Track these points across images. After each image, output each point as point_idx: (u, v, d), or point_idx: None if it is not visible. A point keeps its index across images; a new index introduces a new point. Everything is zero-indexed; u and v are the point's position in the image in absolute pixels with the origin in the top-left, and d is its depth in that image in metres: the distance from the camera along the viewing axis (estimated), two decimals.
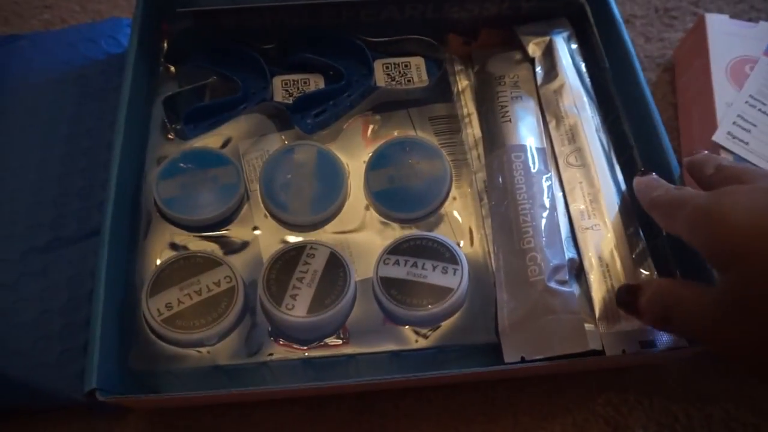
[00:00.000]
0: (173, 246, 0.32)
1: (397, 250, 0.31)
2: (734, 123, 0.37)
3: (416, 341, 0.30)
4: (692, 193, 0.26)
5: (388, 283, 0.30)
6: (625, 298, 0.28)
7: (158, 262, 0.31)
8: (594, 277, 0.30)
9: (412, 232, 0.32)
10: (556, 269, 0.29)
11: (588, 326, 0.29)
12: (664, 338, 0.29)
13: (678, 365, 0.34)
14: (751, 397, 0.34)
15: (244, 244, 0.32)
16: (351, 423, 0.33)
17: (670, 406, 0.33)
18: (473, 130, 0.36)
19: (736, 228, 0.22)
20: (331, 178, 0.33)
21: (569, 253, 0.30)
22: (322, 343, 0.30)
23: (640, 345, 0.29)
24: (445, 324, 0.30)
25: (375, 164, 0.33)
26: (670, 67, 0.45)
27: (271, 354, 0.29)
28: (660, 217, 0.27)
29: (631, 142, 0.34)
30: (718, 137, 0.36)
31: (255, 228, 0.33)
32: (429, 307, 0.29)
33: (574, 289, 0.29)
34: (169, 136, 0.35)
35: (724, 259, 0.23)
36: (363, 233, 0.33)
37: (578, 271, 0.30)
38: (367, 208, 0.33)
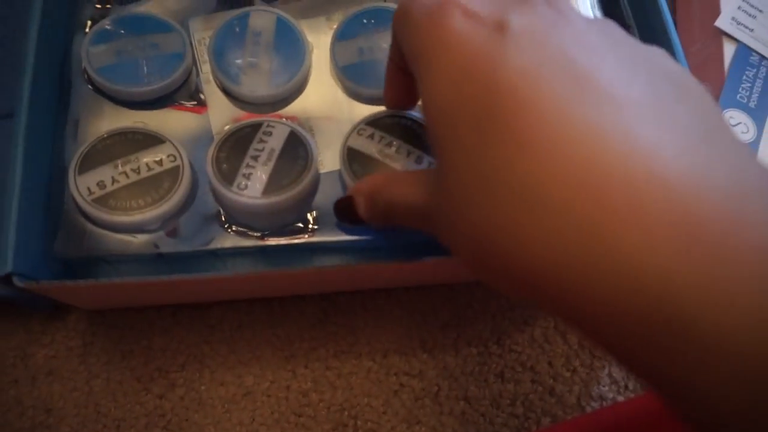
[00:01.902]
0: (108, 123, 0.27)
1: (377, 123, 0.27)
2: (739, 8, 0.33)
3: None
4: None
5: (353, 156, 0.26)
6: (344, 213, 0.24)
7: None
8: None
9: (399, 111, 0.28)
10: None
11: None
12: None
13: None
14: None
15: (192, 122, 0.28)
16: (315, 325, 0.30)
17: None
18: None
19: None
20: (292, 49, 0.29)
21: None
22: (281, 232, 0.26)
23: None
24: None
25: (343, 34, 0.29)
26: None
27: (223, 243, 0.26)
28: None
29: (629, 22, 0.31)
30: (722, 23, 0.33)
31: (204, 105, 0.29)
32: None
33: None
34: (105, 3, 0.30)
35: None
36: (328, 117, 0.29)
37: None
38: (333, 86, 0.29)
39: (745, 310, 0.11)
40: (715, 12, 0.33)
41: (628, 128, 0.14)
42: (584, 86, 0.14)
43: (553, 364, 0.30)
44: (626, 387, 0.29)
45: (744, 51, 0.33)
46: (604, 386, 0.30)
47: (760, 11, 0.33)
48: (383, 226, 0.24)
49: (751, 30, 0.33)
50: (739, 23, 0.33)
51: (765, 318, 0.11)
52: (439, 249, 0.27)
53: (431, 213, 0.19)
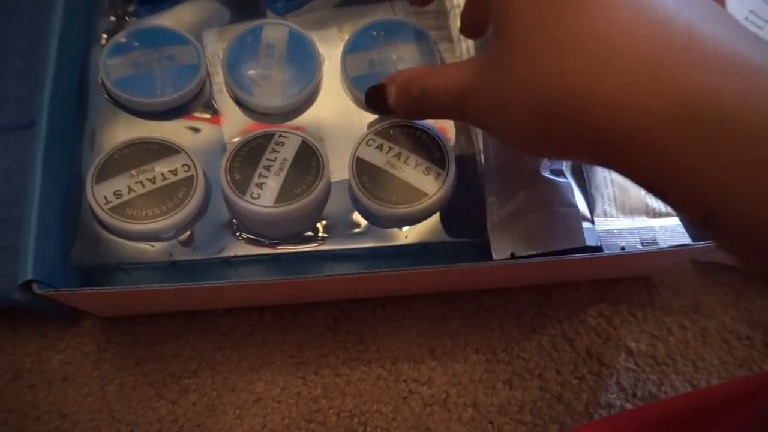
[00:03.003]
0: (125, 133, 0.28)
1: (385, 133, 0.27)
2: (746, 19, 0.34)
3: (397, 238, 0.27)
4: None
5: (361, 167, 0.27)
6: (373, 100, 0.26)
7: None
8: (593, 170, 0.27)
9: (410, 121, 0.28)
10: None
11: (584, 223, 0.26)
12: (667, 237, 0.27)
13: (673, 277, 0.32)
14: (746, 309, 0.32)
15: (206, 133, 0.29)
16: (326, 332, 0.31)
17: (663, 318, 0.32)
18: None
19: None
20: (304, 61, 0.29)
21: None
22: (293, 240, 0.27)
23: (640, 243, 0.26)
24: (428, 223, 0.27)
25: (354, 46, 0.30)
26: None
27: (236, 251, 0.26)
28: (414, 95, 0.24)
29: None
30: None
31: (218, 115, 0.29)
32: (394, 205, 0.26)
33: (570, 180, 0.27)
34: (121, 13, 0.31)
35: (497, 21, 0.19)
36: (339, 127, 0.29)
37: (575, 164, 0.28)
38: (344, 96, 0.30)
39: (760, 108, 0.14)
40: None
41: (683, 5, 0.17)
42: None
43: (561, 371, 0.30)
44: (634, 395, 0.30)
45: None
46: (612, 394, 0.30)
47: (767, 22, 0.34)
48: (411, 115, 0.25)
49: None
50: None
51: None
52: (448, 258, 0.27)
53: (474, 90, 0.21)
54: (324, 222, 0.27)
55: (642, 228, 0.27)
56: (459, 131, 0.29)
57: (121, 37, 0.29)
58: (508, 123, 0.19)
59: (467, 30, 0.27)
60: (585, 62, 0.16)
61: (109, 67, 0.28)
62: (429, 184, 0.26)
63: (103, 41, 0.30)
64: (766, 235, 0.15)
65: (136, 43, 0.29)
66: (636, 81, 0.16)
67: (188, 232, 0.26)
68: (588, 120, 0.17)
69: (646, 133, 0.16)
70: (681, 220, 0.27)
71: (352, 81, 0.29)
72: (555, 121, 0.18)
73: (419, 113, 0.25)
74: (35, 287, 0.23)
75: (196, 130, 0.29)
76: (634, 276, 0.32)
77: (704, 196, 0.16)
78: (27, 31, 0.31)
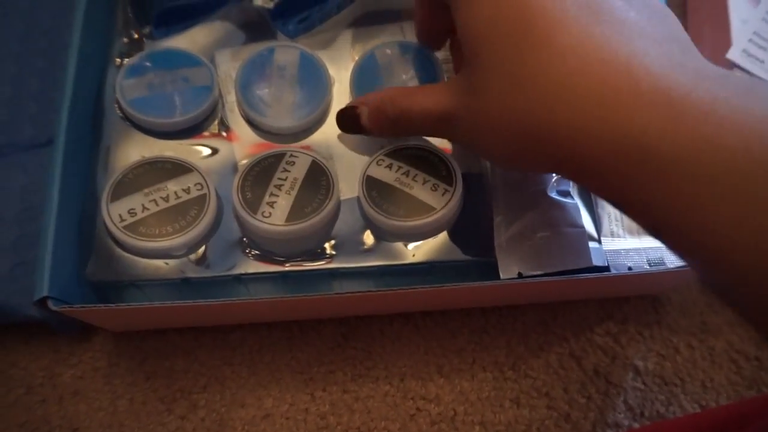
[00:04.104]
0: (139, 152, 0.29)
1: (395, 154, 0.28)
2: (750, 40, 0.34)
3: (404, 257, 0.27)
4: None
5: (371, 184, 0.27)
6: (345, 121, 0.27)
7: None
8: None
9: (419, 142, 0.29)
10: (559, 180, 0.27)
11: (591, 243, 0.26)
12: (674, 257, 0.27)
13: (680, 296, 0.33)
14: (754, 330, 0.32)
15: (218, 152, 0.29)
16: (334, 349, 0.31)
17: (671, 337, 0.32)
18: None
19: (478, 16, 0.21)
20: (315, 84, 0.30)
21: None
22: (304, 259, 0.27)
23: (647, 263, 0.27)
24: (436, 242, 0.28)
25: (363, 68, 0.30)
26: None
27: (246, 269, 0.27)
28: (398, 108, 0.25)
29: None
30: (733, 55, 0.34)
31: (230, 135, 0.30)
32: (402, 218, 0.26)
33: (578, 201, 0.27)
34: (136, 36, 0.31)
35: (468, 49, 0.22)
36: (349, 146, 0.30)
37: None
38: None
39: (703, 145, 0.17)
40: (727, 44, 0.34)
41: (629, 40, 0.19)
42: (597, 11, 0.19)
43: (568, 390, 0.30)
44: (642, 414, 0.30)
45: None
46: (619, 413, 0.30)
47: None
48: (385, 133, 0.27)
49: (762, 62, 0.34)
50: (750, 55, 0.34)
51: (718, 149, 0.16)
52: (456, 276, 0.28)
53: (455, 115, 0.23)
54: (333, 240, 0.28)
55: (649, 248, 0.27)
56: (465, 152, 0.30)
57: (136, 59, 0.30)
58: (490, 145, 0.22)
59: (425, 38, 0.29)
60: (546, 100, 0.19)
61: (125, 87, 0.29)
62: (436, 199, 0.27)
63: (119, 63, 0.31)
64: (694, 242, 0.17)
65: (151, 65, 0.29)
66: (586, 117, 0.18)
67: (200, 250, 0.27)
68: (553, 147, 0.19)
69: (596, 160, 0.18)
70: None
71: None
72: (529, 145, 0.20)
73: (394, 132, 0.27)
74: (51, 304, 0.24)
75: (208, 149, 0.29)
76: (641, 295, 0.32)
77: (645, 214, 0.19)
78: (45, 52, 0.32)
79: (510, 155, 0.22)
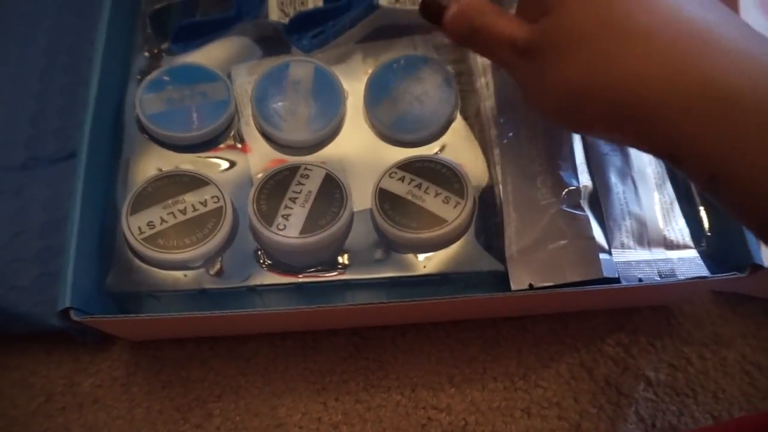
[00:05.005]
0: (158, 165, 0.29)
1: (408, 167, 0.28)
2: None
3: (416, 268, 0.28)
4: None
5: (384, 196, 0.28)
6: (429, 9, 0.27)
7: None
8: (610, 203, 0.28)
9: (432, 154, 0.29)
10: (570, 193, 0.27)
11: (602, 255, 0.27)
12: (684, 269, 0.27)
13: (692, 307, 0.33)
14: (766, 340, 0.32)
15: (234, 165, 0.30)
16: (347, 359, 0.31)
17: (682, 348, 0.32)
18: (482, 57, 0.33)
19: None
20: (329, 97, 0.31)
21: (584, 179, 0.28)
22: (317, 270, 0.28)
23: (658, 275, 0.27)
24: (447, 253, 0.28)
25: (376, 81, 0.31)
26: None
27: (261, 280, 0.27)
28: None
29: None
30: None
31: (246, 148, 0.30)
32: (414, 231, 0.27)
33: (588, 213, 0.27)
34: (155, 51, 0.32)
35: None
36: (361, 160, 0.30)
37: (592, 197, 0.28)
38: (366, 130, 0.31)
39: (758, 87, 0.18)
40: None
41: (697, 8, 0.20)
42: None
43: (579, 400, 0.30)
44: (653, 425, 0.30)
45: None
46: (630, 424, 0.30)
47: None
48: (461, 40, 0.26)
49: None
50: None
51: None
52: (467, 287, 0.28)
53: (522, 59, 0.24)
54: (346, 252, 0.28)
55: (660, 260, 0.27)
56: (477, 164, 0.30)
57: (155, 75, 0.30)
58: (550, 90, 0.23)
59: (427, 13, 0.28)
60: (625, 45, 0.20)
61: (144, 102, 0.30)
62: (448, 212, 0.27)
63: (139, 78, 0.32)
64: (758, 194, 0.18)
65: (170, 80, 0.30)
66: (665, 63, 0.19)
67: (216, 261, 0.28)
68: (617, 93, 0.20)
69: (665, 107, 0.19)
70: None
71: (374, 114, 0.30)
72: (594, 90, 0.21)
73: (468, 43, 0.26)
74: (73, 314, 0.24)
75: (225, 162, 0.30)
76: (653, 306, 0.32)
77: (710, 162, 0.19)
78: (68, 68, 0.33)
79: (568, 103, 0.22)
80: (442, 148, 0.30)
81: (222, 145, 0.30)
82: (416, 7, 0.34)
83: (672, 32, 0.20)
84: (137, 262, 0.27)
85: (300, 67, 0.31)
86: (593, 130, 0.24)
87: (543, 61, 0.22)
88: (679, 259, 0.28)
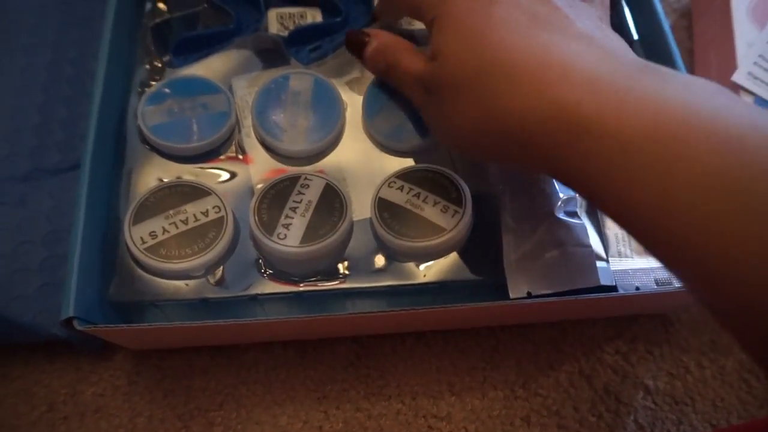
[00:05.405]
0: (159, 176, 0.30)
1: (407, 176, 0.29)
2: (755, 63, 0.35)
3: (416, 276, 0.28)
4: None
5: (383, 206, 0.28)
6: (354, 43, 0.29)
7: None
8: None
9: (429, 164, 0.30)
10: (566, 201, 0.27)
11: (599, 263, 0.27)
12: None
13: (690, 315, 0.33)
14: None
15: (235, 175, 0.30)
16: (347, 368, 0.31)
17: (681, 357, 0.32)
18: None
19: None
20: (328, 109, 0.31)
21: None
22: (318, 279, 0.28)
23: (655, 283, 0.27)
24: (446, 262, 0.28)
25: (374, 92, 0.31)
26: (687, 12, 0.43)
27: (262, 289, 0.28)
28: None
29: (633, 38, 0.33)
30: (738, 77, 0.34)
31: (246, 159, 0.31)
32: (413, 239, 0.27)
33: (585, 221, 0.28)
34: (157, 64, 0.33)
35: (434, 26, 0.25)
36: (361, 169, 0.31)
37: (590, 206, 0.29)
38: (365, 140, 0.31)
39: (627, 114, 0.19)
40: (732, 67, 0.35)
41: (567, 43, 0.22)
42: (544, 21, 0.22)
43: (579, 408, 0.31)
44: None
45: (761, 104, 0.34)
46: None
47: None
48: (379, 74, 0.30)
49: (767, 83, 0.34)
50: (755, 77, 0.34)
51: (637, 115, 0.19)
52: (466, 295, 0.28)
53: (429, 90, 0.25)
54: (346, 261, 0.29)
55: (657, 268, 0.28)
56: (476, 174, 0.31)
57: (156, 87, 0.31)
58: (448, 129, 0.25)
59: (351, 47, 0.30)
60: (497, 85, 0.22)
61: (146, 114, 0.30)
62: (446, 220, 0.28)
63: (141, 90, 0.32)
64: (626, 213, 0.19)
65: (171, 92, 0.31)
66: (529, 95, 0.21)
67: (218, 270, 0.28)
68: (501, 126, 0.22)
69: (535, 135, 0.21)
70: None
71: (372, 125, 0.31)
72: (481, 129, 0.23)
73: (387, 77, 0.29)
74: (76, 324, 0.25)
75: (226, 172, 0.30)
76: (651, 314, 0.33)
77: (579, 186, 0.21)
78: (71, 80, 0.33)
79: (468, 137, 0.24)
80: (441, 158, 0.31)
81: (223, 156, 0.31)
82: (413, 21, 0.35)
83: (532, 68, 0.21)
84: (139, 271, 0.27)
85: (300, 78, 0.31)
86: (493, 160, 0.26)
87: (441, 99, 0.24)
88: None
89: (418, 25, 0.34)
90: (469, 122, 0.23)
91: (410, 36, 0.33)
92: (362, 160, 0.31)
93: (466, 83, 0.23)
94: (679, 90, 0.19)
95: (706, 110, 0.18)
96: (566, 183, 0.22)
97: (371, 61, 0.29)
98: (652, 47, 0.34)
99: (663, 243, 0.19)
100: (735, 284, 0.17)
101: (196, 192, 0.28)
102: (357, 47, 0.29)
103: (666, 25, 0.33)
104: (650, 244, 0.19)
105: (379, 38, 0.29)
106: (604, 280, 0.26)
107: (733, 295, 0.17)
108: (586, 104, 0.19)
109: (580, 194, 0.22)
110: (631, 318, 0.33)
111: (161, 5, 0.35)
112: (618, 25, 0.35)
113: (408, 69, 0.27)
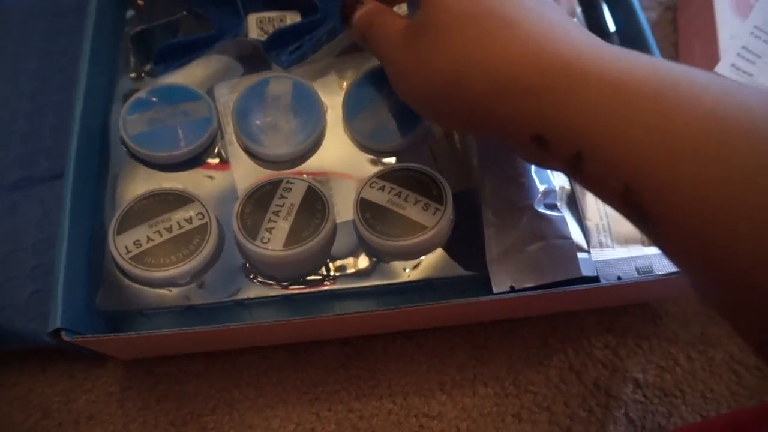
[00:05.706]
0: (143, 184, 0.30)
1: (388, 176, 0.29)
2: (738, 54, 0.35)
3: (402, 275, 0.28)
4: None
5: (365, 206, 0.28)
6: (346, 9, 0.30)
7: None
8: (587, 203, 0.28)
9: (409, 163, 0.30)
10: (546, 194, 0.28)
11: (581, 254, 0.27)
12: (663, 265, 0.27)
13: (678, 307, 0.33)
14: None
15: (218, 181, 0.30)
16: (338, 369, 0.32)
17: (670, 349, 0.32)
18: None
19: None
20: (309, 111, 0.31)
21: (560, 181, 0.29)
22: (304, 281, 0.28)
23: (636, 272, 0.27)
24: (430, 260, 0.28)
25: (354, 94, 0.31)
26: (673, 5, 0.42)
27: (248, 293, 0.28)
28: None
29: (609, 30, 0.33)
30: (722, 69, 0.34)
31: (229, 164, 0.31)
32: (396, 238, 0.27)
33: (565, 213, 0.28)
34: (138, 73, 0.33)
35: None
36: (343, 171, 0.31)
37: (570, 198, 0.29)
38: (347, 142, 0.31)
39: (627, 67, 0.20)
40: (715, 58, 0.35)
41: (550, 9, 0.23)
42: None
43: (569, 404, 0.31)
44: (643, 427, 0.30)
45: None
46: (620, 426, 0.30)
47: (759, 57, 0.34)
48: (359, 38, 0.29)
49: (751, 75, 0.34)
50: (738, 69, 0.34)
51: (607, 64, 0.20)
52: (453, 292, 0.28)
53: (408, 41, 0.25)
54: (332, 262, 0.29)
55: (638, 257, 0.28)
56: (458, 171, 0.31)
57: (138, 95, 0.31)
58: (422, 84, 0.24)
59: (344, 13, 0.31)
60: (493, 32, 0.22)
61: (128, 123, 0.30)
62: (428, 218, 0.28)
63: (123, 99, 0.32)
64: (618, 165, 0.19)
65: (153, 100, 0.31)
66: (529, 45, 0.21)
67: (204, 277, 0.28)
68: (489, 75, 0.22)
69: (532, 84, 0.21)
70: None
71: (352, 126, 0.31)
72: (462, 79, 0.22)
73: (365, 40, 0.29)
74: (64, 335, 0.25)
75: (209, 178, 0.31)
76: (638, 305, 0.33)
77: (574, 138, 0.20)
78: (60, 88, 0.33)
79: (444, 90, 0.23)
80: (422, 156, 0.31)
81: (206, 163, 0.31)
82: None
83: (532, 22, 0.22)
84: (126, 281, 0.28)
85: (279, 82, 0.32)
86: (466, 123, 0.25)
87: (421, 43, 0.24)
88: (656, 255, 0.28)
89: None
90: (449, 65, 0.23)
91: None
92: (344, 162, 0.31)
93: (457, 24, 0.23)
94: (668, 61, 0.20)
95: (698, 71, 0.19)
96: (553, 136, 0.21)
97: (358, 22, 0.29)
98: (629, 44, 0.33)
99: (660, 186, 0.18)
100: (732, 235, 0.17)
101: (180, 199, 0.29)
102: (349, 11, 0.30)
103: (642, 17, 0.33)
104: (645, 194, 0.19)
105: (368, 3, 0.29)
106: (586, 272, 0.26)
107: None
108: (587, 57, 0.20)
109: (565, 151, 0.21)
110: (620, 311, 0.33)
111: (141, 14, 0.35)
112: (595, 19, 0.35)
113: (389, 25, 0.27)
